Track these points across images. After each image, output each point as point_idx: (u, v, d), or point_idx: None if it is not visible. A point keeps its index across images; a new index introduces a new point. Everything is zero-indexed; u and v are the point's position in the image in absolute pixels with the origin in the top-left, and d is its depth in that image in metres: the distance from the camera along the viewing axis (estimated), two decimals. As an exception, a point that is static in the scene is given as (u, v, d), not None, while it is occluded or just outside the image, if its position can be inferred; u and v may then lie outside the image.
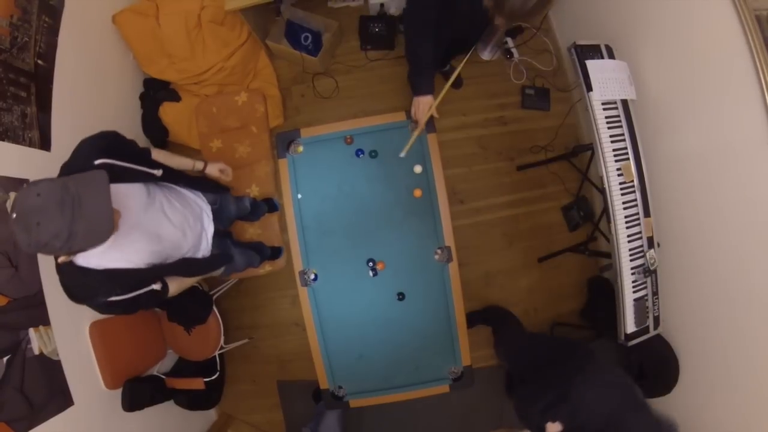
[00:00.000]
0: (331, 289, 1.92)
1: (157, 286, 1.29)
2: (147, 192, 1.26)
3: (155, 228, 1.28)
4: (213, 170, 1.63)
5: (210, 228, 1.61)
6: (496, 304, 2.49)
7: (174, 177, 1.44)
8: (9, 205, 1.38)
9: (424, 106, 1.73)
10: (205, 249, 1.58)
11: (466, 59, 1.76)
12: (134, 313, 1.26)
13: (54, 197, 0.90)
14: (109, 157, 1.15)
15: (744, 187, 1.48)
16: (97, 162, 1.12)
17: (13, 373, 1.33)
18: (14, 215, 0.91)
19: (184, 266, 1.44)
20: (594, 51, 1.86)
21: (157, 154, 1.42)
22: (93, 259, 1.09)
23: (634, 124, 1.82)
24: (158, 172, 1.30)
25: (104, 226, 0.97)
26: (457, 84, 2.65)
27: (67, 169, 1.13)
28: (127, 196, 1.19)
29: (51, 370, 1.48)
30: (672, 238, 1.83)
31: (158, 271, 1.31)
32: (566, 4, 2.51)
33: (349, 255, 1.93)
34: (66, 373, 1.53)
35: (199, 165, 1.59)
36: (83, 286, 1.12)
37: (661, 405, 1.86)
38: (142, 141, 2.50)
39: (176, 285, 1.42)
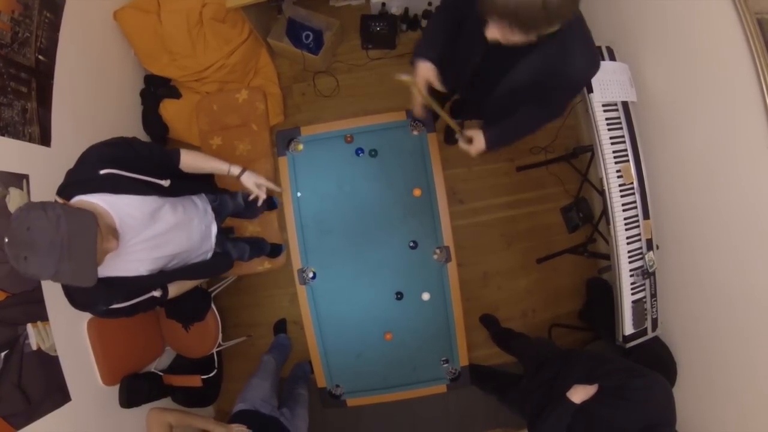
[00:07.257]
0: (330, 288, 1.92)
1: (157, 293, 1.30)
2: (153, 201, 1.23)
3: (159, 235, 1.27)
4: (249, 182, 1.43)
5: (214, 228, 1.61)
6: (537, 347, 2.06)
7: (183, 189, 1.40)
8: (8, 201, 1.38)
9: (422, 71, 1.42)
10: (208, 249, 1.59)
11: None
12: (133, 316, 1.27)
13: (44, 235, 0.90)
14: (115, 167, 1.11)
15: (743, 190, 1.47)
16: (102, 172, 1.09)
17: (11, 368, 1.33)
18: (6, 240, 0.92)
19: (187, 271, 1.44)
20: (595, 52, 1.86)
21: (187, 156, 1.32)
22: None
23: (635, 126, 1.82)
24: (165, 183, 1.26)
25: (89, 274, 0.97)
26: (451, 140, 2.39)
27: (72, 176, 1.11)
28: (132, 206, 1.16)
29: (49, 365, 1.48)
30: (671, 240, 1.83)
31: (160, 278, 1.31)
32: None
33: (348, 254, 1.93)
34: (63, 368, 1.53)
35: (235, 170, 1.41)
36: (84, 294, 1.12)
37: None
38: (141, 137, 2.49)
39: (177, 288, 1.42)
